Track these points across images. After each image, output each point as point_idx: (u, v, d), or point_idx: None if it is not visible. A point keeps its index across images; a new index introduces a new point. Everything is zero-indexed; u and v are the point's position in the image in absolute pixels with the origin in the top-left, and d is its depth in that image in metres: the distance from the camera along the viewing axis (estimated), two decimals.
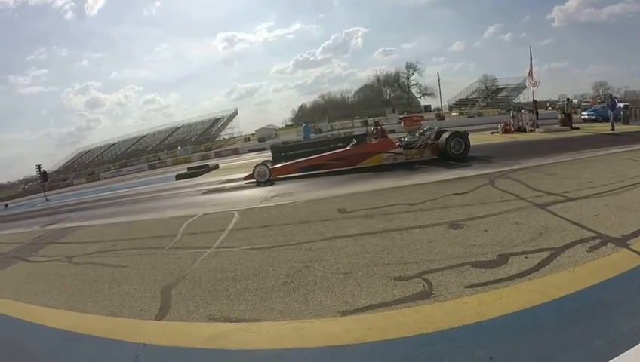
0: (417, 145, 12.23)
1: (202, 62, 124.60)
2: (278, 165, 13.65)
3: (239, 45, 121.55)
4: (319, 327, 3.13)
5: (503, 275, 3.49)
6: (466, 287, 3.37)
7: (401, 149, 12.26)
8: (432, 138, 12.35)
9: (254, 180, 12.57)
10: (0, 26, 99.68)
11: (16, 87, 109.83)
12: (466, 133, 12.05)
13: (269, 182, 12.23)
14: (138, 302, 4.33)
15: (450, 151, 11.56)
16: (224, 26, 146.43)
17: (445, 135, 11.86)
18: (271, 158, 16.45)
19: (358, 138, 14.91)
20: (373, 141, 12.91)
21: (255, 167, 12.74)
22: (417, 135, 12.70)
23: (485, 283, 3.39)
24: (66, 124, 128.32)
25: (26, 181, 67.10)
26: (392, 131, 20.00)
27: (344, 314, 3.26)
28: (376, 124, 19.23)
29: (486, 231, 4.71)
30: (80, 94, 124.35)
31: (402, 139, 12.78)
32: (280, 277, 4.25)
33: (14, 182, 76.63)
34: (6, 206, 29.99)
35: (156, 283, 4.77)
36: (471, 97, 66.14)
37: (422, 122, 13.95)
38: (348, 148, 13.15)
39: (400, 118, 16.77)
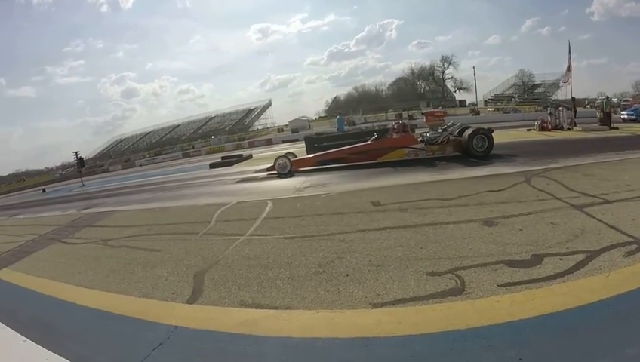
0: (439, 141, 12.02)
1: (236, 54, 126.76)
2: (302, 157, 13.78)
3: (273, 37, 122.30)
4: (350, 318, 3.17)
5: (536, 276, 3.41)
6: (498, 286, 3.32)
7: (423, 145, 12.09)
8: (455, 134, 12.04)
9: (275, 172, 12.78)
10: (38, 19, 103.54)
11: (54, 77, 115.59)
12: (490, 130, 11.60)
13: (290, 174, 12.41)
14: (171, 286, 4.46)
15: (473, 149, 11.19)
16: (258, 18, 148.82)
17: (468, 131, 11.48)
18: (303, 149, 16.52)
19: (379, 132, 14.79)
20: (395, 136, 12.81)
21: (276, 159, 12.97)
22: (440, 130, 12.45)
23: (518, 283, 3.33)
24: (102, 113, 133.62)
25: (63, 167, 69.77)
26: (415, 126, 19.65)
27: (375, 306, 3.28)
28: (411, 118, 19.05)
29: (521, 230, 4.61)
30: (116, 84, 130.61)
31: (424, 134, 12.57)
32: (312, 267, 4.30)
33: (52, 168, 79.87)
34: (44, 190, 31.29)
35: (189, 268, 4.90)
36: (507, 93, 64.64)
37: (445, 118, 13.70)
38: (369, 142, 13.06)
39: (422, 113, 16.54)
